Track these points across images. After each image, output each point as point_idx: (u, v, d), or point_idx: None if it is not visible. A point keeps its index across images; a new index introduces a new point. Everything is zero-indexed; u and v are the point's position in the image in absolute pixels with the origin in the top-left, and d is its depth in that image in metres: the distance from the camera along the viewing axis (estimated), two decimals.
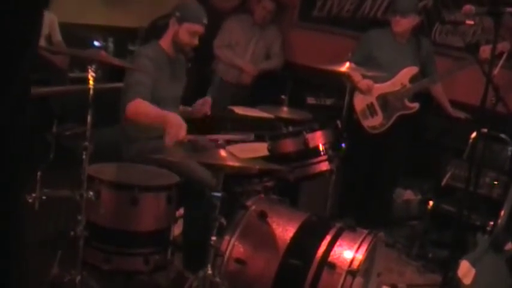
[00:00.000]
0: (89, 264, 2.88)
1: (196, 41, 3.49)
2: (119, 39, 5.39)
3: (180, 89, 3.67)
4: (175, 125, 2.98)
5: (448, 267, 3.52)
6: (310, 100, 5.17)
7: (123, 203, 2.88)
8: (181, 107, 3.70)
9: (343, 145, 3.62)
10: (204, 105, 3.65)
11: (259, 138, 3.56)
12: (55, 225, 3.42)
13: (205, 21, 3.48)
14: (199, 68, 5.52)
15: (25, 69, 1.75)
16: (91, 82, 2.76)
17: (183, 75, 3.73)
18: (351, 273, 2.76)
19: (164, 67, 3.49)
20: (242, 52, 5.44)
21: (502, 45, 4.04)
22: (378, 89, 4.54)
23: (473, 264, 3.49)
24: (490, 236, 3.57)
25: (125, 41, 5.49)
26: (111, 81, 4.20)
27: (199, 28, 3.47)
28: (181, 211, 3.38)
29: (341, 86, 4.10)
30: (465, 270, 3.49)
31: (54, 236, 3.37)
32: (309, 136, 3.47)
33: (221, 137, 2.93)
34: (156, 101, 3.37)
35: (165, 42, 3.52)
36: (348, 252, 2.83)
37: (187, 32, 3.45)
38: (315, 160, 3.49)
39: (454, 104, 4.71)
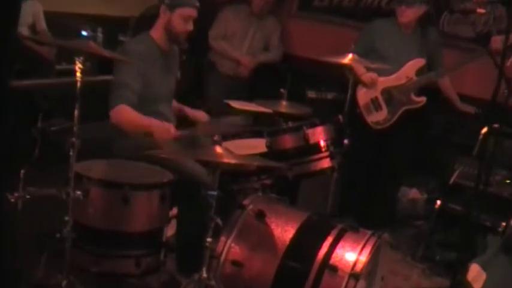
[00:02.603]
0: (77, 267, 2.86)
1: (191, 27, 3.46)
2: (108, 29, 5.36)
3: (173, 83, 3.66)
4: (161, 131, 3.15)
5: (456, 271, 3.50)
6: (311, 94, 5.17)
7: (113, 202, 2.87)
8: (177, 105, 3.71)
9: (345, 141, 3.60)
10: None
11: (257, 134, 3.54)
12: (40, 226, 3.40)
13: (197, 4, 3.46)
14: (194, 60, 5.51)
15: (5, 61, 1.72)
16: (78, 74, 2.74)
17: (176, 68, 3.71)
18: (354, 276, 2.75)
19: (157, 61, 3.48)
20: (239, 44, 5.42)
21: None
22: (383, 82, 4.52)
23: (484, 267, 3.47)
24: (501, 238, 3.55)
25: (115, 32, 5.47)
26: (100, 73, 4.18)
27: (192, 12, 3.45)
28: (174, 211, 3.36)
29: (343, 79, 4.09)
30: (475, 274, 3.47)
31: (39, 238, 3.35)
32: (309, 132, 3.46)
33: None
34: (150, 98, 3.40)
35: (157, 33, 3.49)
36: (350, 254, 2.83)
37: (181, 18, 3.42)
38: (316, 157, 3.48)
39: (463, 98, 4.70)
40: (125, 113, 3.24)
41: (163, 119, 3.48)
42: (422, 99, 4.53)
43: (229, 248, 2.93)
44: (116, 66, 3.38)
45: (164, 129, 3.19)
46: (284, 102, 4.25)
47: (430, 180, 4.93)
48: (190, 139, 3.49)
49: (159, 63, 3.49)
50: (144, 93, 3.36)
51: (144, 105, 3.36)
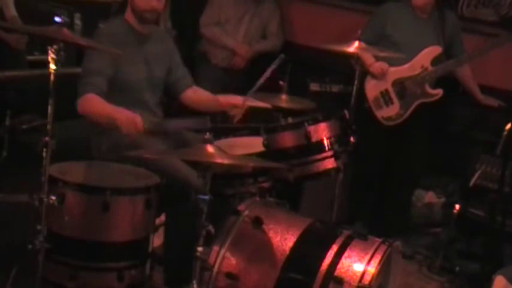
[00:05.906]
0: (51, 282, 2.87)
1: (156, 3, 3.46)
2: (88, 15, 5.36)
3: (158, 69, 3.64)
4: (125, 121, 3.10)
5: (479, 284, 3.51)
6: (314, 86, 5.16)
7: (92, 209, 2.88)
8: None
9: (351, 139, 3.62)
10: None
11: (253, 131, 3.55)
12: (9, 236, 3.41)
13: None
14: (183, 49, 5.50)
15: None
16: (52, 66, 2.75)
17: (166, 53, 3.71)
18: None
19: (133, 45, 3.50)
20: (233, 31, 5.43)
21: None
22: (394, 73, 4.54)
23: (511, 280, 3.48)
24: None
25: (96, 18, 5.45)
26: (78, 65, 4.18)
27: None
28: (162, 218, 3.38)
29: (350, 69, 4.10)
30: (501, 287, 3.49)
31: (7, 250, 3.36)
32: (311, 128, 3.46)
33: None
34: (128, 85, 3.44)
35: (129, 14, 3.53)
36: (357, 265, 2.83)
37: None
38: (319, 156, 3.48)
39: (485, 89, 4.71)
40: (90, 102, 3.24)
41: (146, 108, 3.51)
42: (439, 91, 4.53)
43: (223, 258, 2.93)
44: (86, 53, 3.40)
45: (129, 120, 3.13)
46: (284, 96, 4.27)
47: (448, 182, 4.95)
48: (175, 141, 3.50)
49: (135, 48, 3.51)
50: (121, 80, 3.39)
51: (125, 93, 3.41)
